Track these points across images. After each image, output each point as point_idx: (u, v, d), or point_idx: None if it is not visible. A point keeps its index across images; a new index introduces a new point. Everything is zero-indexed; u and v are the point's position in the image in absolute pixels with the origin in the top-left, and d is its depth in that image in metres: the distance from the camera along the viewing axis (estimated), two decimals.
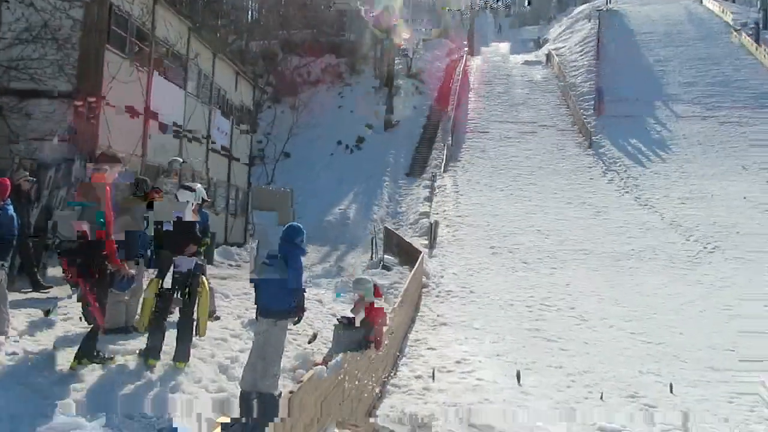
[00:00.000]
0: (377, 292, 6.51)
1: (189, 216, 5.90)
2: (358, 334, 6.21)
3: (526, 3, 79.48)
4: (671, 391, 7.48)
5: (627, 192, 23.66)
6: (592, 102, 33.10)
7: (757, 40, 35.86)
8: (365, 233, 21.25)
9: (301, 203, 23.54)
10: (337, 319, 6.57)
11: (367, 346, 6.14)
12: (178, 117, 15.43)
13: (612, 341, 9.86)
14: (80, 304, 5.84)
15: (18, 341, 5.89)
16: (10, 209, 6.22)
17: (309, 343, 7.57)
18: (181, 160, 11.35)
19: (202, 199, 6.08)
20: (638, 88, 33.00)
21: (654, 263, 16.45)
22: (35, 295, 8.33)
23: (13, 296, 6.69)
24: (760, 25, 37.70)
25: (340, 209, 25.12)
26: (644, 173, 25.24)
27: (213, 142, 18.01)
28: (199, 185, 6.32)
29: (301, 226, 5.37)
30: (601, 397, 7.11)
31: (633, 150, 27.76)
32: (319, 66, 39.78)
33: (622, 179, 24.92)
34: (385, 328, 6.70)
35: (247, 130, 22.09)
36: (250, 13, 49.47)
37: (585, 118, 31.66)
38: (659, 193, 23.10)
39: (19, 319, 6.83)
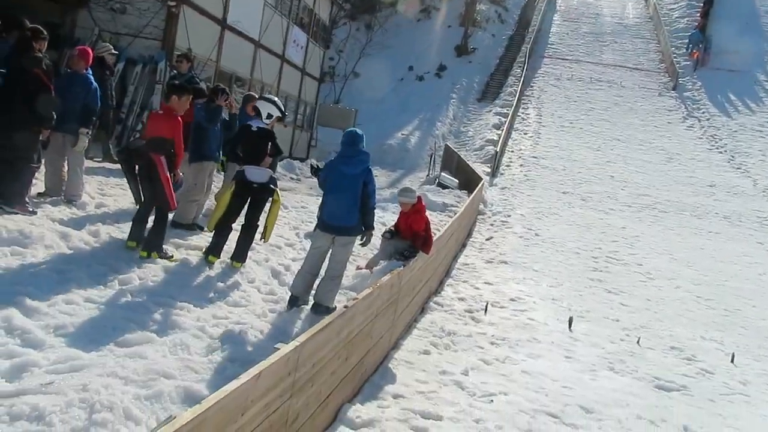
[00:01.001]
0: (420, 203, 6.30)
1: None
2: (404, 243, 6.14)
3: None
4: (732, 361, 7.13)
5: (721, 152, 22.18)
6: (687, 41, 30.78)
7: None
8: (425, 160, 20.92)
9: (363, 125, 23.31)
10: (382, 235, 6.47)
11: (413, 255, 5.98)
12: (255, 26, 15.24)
13: (676, 302, 9.43)
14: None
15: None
16: (92, 78, 6.42)
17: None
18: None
19: (282, 112, 5.98)
20: (746, 40, 30.22)
21: (738, 230, 15.51)
22: (106, 164, 8.70)
23: (86, 163, 7.00)
24: None
25: (402, 134, 24.74)
26: (742, 133, 23.49)
27: (287, 56, 17.84)
28: (277, 99, 6.21)
29: (361, 132, 5.39)
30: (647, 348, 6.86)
31: (731, 106, 25.84)
32: None
33: (719, 138, 23.26)
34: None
35: (321, 46, 21.75)
36: None
37: (674, 57, 29.64)
38: (756, 156, 21.55)
39: (92, 185, 7.18)
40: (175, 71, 10.09)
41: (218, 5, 13.30)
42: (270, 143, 5.80)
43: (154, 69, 11.19)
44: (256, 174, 5.72)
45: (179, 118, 5.59)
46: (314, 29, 20.31)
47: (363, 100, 27.04)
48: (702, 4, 34.30)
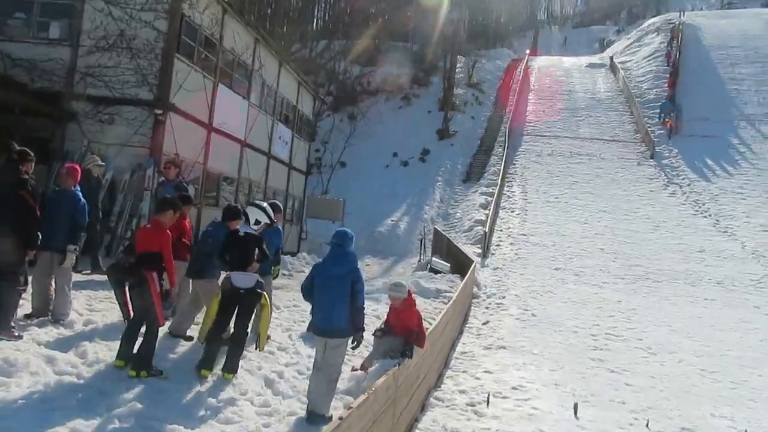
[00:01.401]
0: (410, 296, 6.33)
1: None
2: (397, 340, 6.05)
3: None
4: None
5: (705, 216, 22.49)
6: (658, 111, 31.98)
7: None
8: (416, 245, 20.99)
9: (353, 213, 23.72)
10: (373, 333, 6.41)
11: (407, 353, 5.85)
12: (240, 127, 15.68)
13: (681, 377, 9.24)
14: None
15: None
16: (80, 195, 6.51)
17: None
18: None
19: (271, 219, 6.09)
20: (715, 106, 31.58)
21: (732, 295, 15.51)
22: (95, 276, 8.60)
23: (74, 277, 6.93)
24: None
25: (392, 221, 25.05)
26: (723, 196, 23.95)
27: (274, 153, 18.25)
28: (266, 204, 6.33)
29: (350, 231, 5.52)
30: None
31: (710, 171, 26.47)
32: (380, 76, 39.97)
33: (702, 203, 23.65)
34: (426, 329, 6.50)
35: (306, 139, 22.33)
36: (315, 21, 50.52)
37: (649, 127, 30.70)
38: (740, 218, 21.87)
39: (80, 301, 7.07)
40: (163, 178, 10.28)
41: (204, 109, 13.72)
42: (257, 249, 5.83)
43: (142, 176, 11.37)
44: (242, 280, 5.73)
45: (168, 231, 5.64)
46: (298, 124, 20.92)
47: (351, 189, 27.50)
48: (668, 75, 35.96)
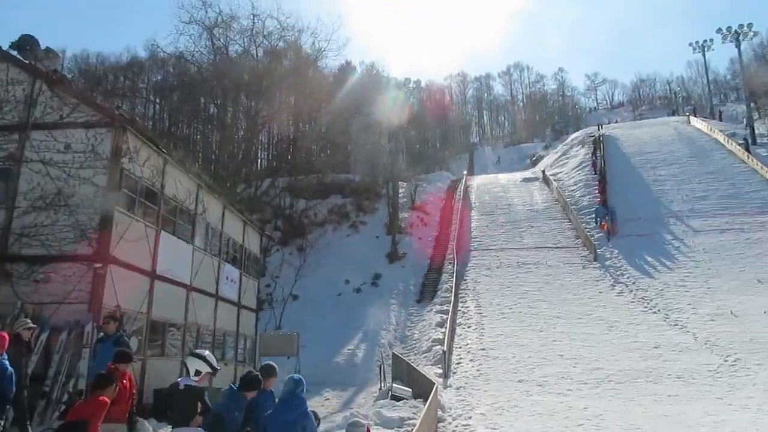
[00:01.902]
0: None
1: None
2: None
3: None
4: None
5: (654, 312, 22.95)
6: (593, 216, 33.61)
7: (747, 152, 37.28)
8: (375, 372, 20.42)
9: (308, 346, 23.17)
10: None
11: None
12: (185, 271, 15.51)
13: None
14: None
15: None
16: (7, 363, 6.13)
17: None
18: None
19: (213, 367, 5.85)
20: (644, 207, 33.57)
21: (694, 388, 15.47)
22: None
23: None
24: (749, 141, 39.36)
25: (348, 349, 24.56)
26: (668, 290, 24.66)
27: (221, 294, 17.98)
28: (208, 352, 6.13)
29: (301, 377, 5.62)
30: None
31: (651, 267, 27.43)
32: (326, 207, 40.97)
33: (649, 299, 24.22)
34: None
35: (255, 276, 22.17)
36: (259, 161, 52.26)
37: (588, 231, 32.03)
38: (687, 310, 22.43)
39: None
40: (102, 333, 9.91)
41: (146, 258, 13.57)
42: (199, 402, 5.58)
43: (80, 333, 10.90)
44: None
45: (105, 399, 5.40)
46: (246, 262, 20.85)
47: (305, 322, 27.09)
48: (597, 182, 38.30)
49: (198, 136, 46.76)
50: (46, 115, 12.63)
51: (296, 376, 5.67)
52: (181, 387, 5.62)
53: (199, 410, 5.55)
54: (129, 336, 11.16)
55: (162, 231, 14.26)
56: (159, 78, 61.20)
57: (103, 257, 11.67)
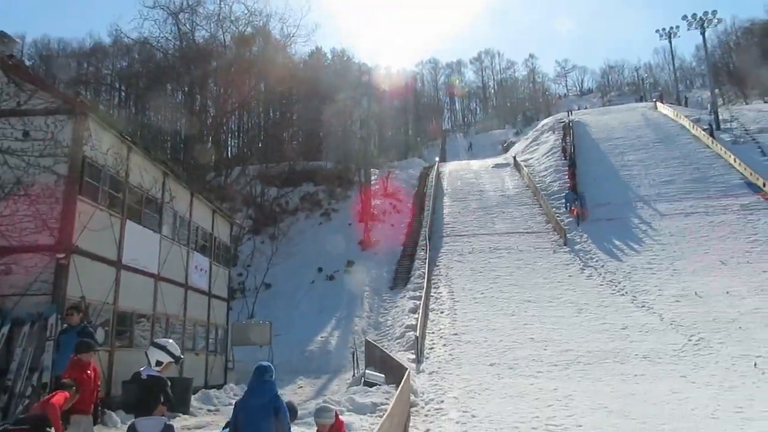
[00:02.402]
0: (338, 420, 6.12)
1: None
2: None
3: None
4: None
5: (622, 294, 23.39)
6: (563, 201, 34.05)
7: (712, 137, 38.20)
8: (349, 359, 20.45)
9: (282, 335, 23.08)
10: None
11: None
12: (153, 261, 15.24)
13: None
14: None
15: None
16: None
17: None
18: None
19: (174, 357, 5.75)
20: (612, 192, 34.17)
21: (659, 367, 15.85)
22: None
23: None
24: (713, 126, 40.28)
25: (322, 337, 24.51)
26: (635, 273, 25.15)
27: (191, 283, 17.73)
28: (171, 341, 6.00)
29: (269, 364, 5.54)
30: None
31: (619, 251, 27.93)
32: (298, 195, 40.69)
33: (617, 282, 24.67)
34: None
35: (225, 265, 21.92)
36: (229, 149, 51.53)
37: (558, 216, 32.46)
38: (653, 292, 22.91)
39: None
40: (66, 324, 9.69)
41: (112, 248, 13.28)
42: (162, 392, 5.47)
43: (43, 326, 10.63)
44: (148, 426, 5.28)
45: (65, 393, 5.29)
46: (216, 251, 20.59)
47: (278, 310, 26.96)
48: (567, 168, 38.76)
49: (165, 124, 45.91)
50: (2, 102, 12.20)
51: (263, 363, 5.60)
52: (144, 377, 5.52)
53: (162, 400, 5.45)
54: (95, 327, 10.95)
55: (128, 220, 13.97)
56: (124, 65, 59.75)
57: (65, 247, 11.39)
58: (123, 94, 61.01)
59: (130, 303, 13.88)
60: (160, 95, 40.70)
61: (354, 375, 18.08)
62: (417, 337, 20.04)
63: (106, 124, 13.27)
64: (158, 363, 5.59)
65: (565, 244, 29.93)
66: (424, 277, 27.55)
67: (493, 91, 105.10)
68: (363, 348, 20.55)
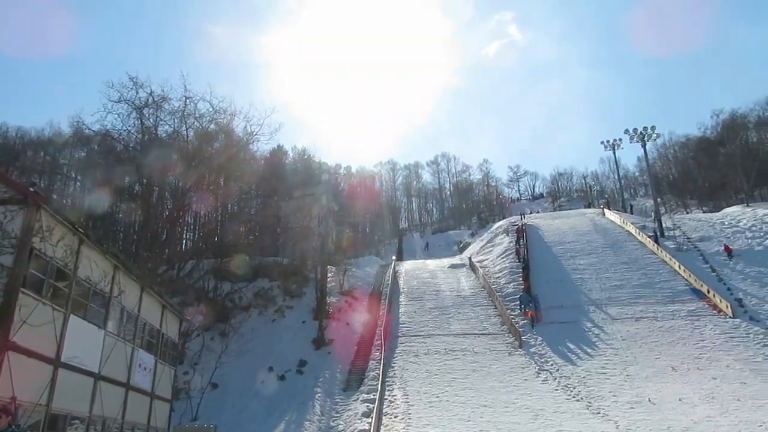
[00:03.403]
0: None
1: None
2: None
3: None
4: None
5: (578, 400, 23.16)
6: (518, 303, 34.41)
7: (657, 244, 40.01)
8: None
9: None
10: None
11: None
12: (94, 358, 14.45)
13: None
14: None
15: None
16: None
17: None
18: None
19: None
20: (565, 294, 34.86)
21: None
22: None
23: None
24: (657, 233, 42.32)
25: None
26: (590, 378, 25.10)
27: (133, 383, 16.79)
28: None
29: None
30: None
31: (573, 355, 28.01)
32: (252, 290, 39.92)
33: (572, 387, 24.52)
34: None
35: (171, 364, 20.93)
36: (184, 242, 50.79)
37: (513, 318, 32.64)
38: (608, 398, 22.80)
39: None
40: None
41: (51, 344, 12.59)
42: None
43: None
44: None
45: None
46: (162, 349, 19.73)
47: (225, 412, 25.61)
48: (521, 270, 39.51)
49: (120, 215, 45.24)
50: None
51: None
52: None
53: None
54: (24, 431, 10.14)
55: (72, 315, 13.36)
56: (82, 155, 59.50)
57: (0, 344, 10.72)
58: (78, 183, 60.28)
59: (65, 404, 12.98)
60: (117, 186, 40.41)
61: None
62: None
63: (59, 216, 13.00)
64: None
65: (520, 347, 29.90)
66: (378, 379, 26.83)
67: (449, 192, 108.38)
68: None
